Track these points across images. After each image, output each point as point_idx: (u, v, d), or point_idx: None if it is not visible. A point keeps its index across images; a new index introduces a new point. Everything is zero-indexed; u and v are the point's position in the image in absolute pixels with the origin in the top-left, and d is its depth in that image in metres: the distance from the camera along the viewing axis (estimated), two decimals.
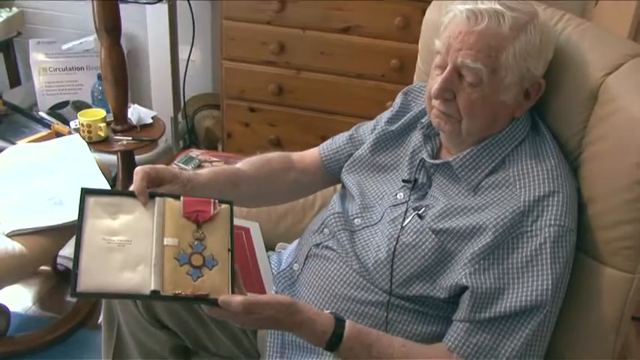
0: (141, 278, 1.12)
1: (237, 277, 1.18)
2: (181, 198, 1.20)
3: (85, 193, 1.17)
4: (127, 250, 1.14)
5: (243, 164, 1.49)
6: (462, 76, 1.23)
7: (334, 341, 1.16)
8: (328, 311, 1.19)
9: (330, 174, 1.56)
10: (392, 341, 1.21)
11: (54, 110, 2.96)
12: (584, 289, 1.26)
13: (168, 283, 1.13)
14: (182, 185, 1.29)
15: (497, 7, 1.20)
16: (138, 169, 1.21)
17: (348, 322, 1.17)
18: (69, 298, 2.35)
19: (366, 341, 1.18)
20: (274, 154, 1.55)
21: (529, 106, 1.29)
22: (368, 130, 1.53)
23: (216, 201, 1.22)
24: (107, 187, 2.01)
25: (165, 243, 1.16)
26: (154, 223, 1.17)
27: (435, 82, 1.25)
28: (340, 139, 1.58)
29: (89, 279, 1.10)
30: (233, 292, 1.14)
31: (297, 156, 1.58)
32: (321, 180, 1.56)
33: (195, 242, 1.17)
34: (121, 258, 1.13)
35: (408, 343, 1.23)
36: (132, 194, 1.19)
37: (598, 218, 1.24)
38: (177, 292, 1.12)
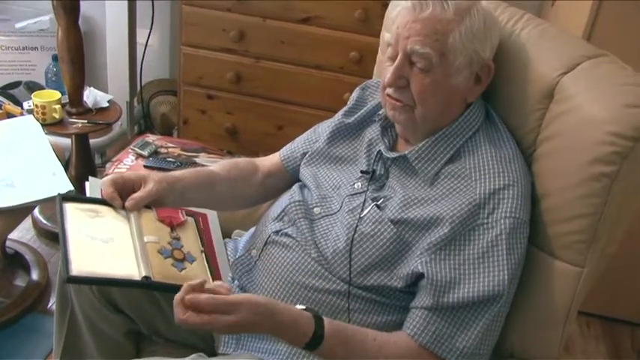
0: (130, 267, 1.18)
1: (216, 273, 1.28)
2: (152, 208, 1.31)
3: (62, 199, 1.25)
4: (111, 246, 1.21)
5: (215, 167, 1.54)
6: (413, 63, 1.27)
7: (314, 342, 1.14)
8: (301, 306, 1.17)
9: (292, 176, 1.57)
10: (365, 336, 1.22)
11: (5, 90, 2.89)
12: (534, 281, 1.29)
13: (157, 272, 1.19)
14: (170, 185, 1.36)
15: None
16: (104, 179, 1.31)
17: (326, 321, 1.16)
18: (18, 282, 2.31)
19: (342, 338, 1.19)
20: (241, 159, 1.62)
21: (481, 90, 1.33)
22: (325, 127, 1.55)
23: (183, 211, 1.35)
24: (62, 169, 1.98)
25: (146, 240, 1.23)
26: (131, 224, 1.26)
27: (388, 71, 1.29)
28: (298, 140, 1.61)
29: (80, 265, 1.15)
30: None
31: (260, 160, 1.62)
32: (284, 181, 1.58)
33: (173, 240, 1.27)
34: (107, 251, 1.20)
35: (379, 337, 1.23)
36: (105, 202, 1.28)
37: (550, 213, 1.28)
38: (167, 281, 1.18)
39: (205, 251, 1.31)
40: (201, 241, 1.33)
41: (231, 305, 1.06)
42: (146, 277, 1.16)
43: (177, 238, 1.27)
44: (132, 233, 1.24)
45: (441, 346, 1.21)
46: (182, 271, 1.22)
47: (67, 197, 1.27)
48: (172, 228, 1.29)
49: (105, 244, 1.20)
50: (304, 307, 1.17)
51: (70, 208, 1.25)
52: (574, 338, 2.41)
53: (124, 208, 1.28)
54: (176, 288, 1.14)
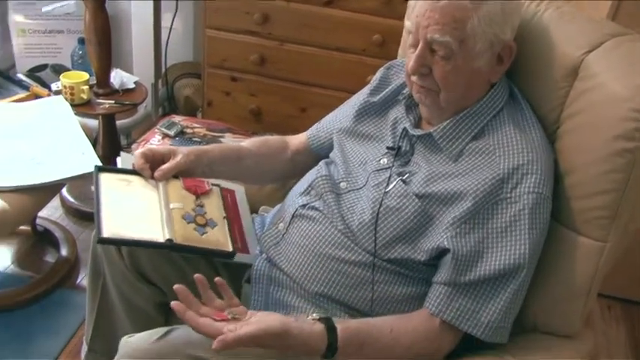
0: (155, 231, 1.30)
1: (236, 239, 1.39)
2: (179, 177, 1.41)
3: (98, 170, 1.40)
4: (140, 211, 1.33)
5: (245, 142, 1.61)
6: (434, 51, 1.28)
7: (328, 355, 1.19)
8: (315, 316, 1.21)
9: (317, 153, 1.61)
10: (381, 331, 1.25)
11: (32, 73, 2.94)
12: (557, 256, 1.32)
13: (179, 235, 1.30)
14: (198, 158, 1.45)
15: None
16: (136, 152, 1.43)
17: (339, 329, 1.19)
18: (47, 258, 2.37)
19: (358, 342, 1.22)
20: (271, 137, 1.68)
21: (503, 70, 1.35)
22: (349, 107, 1.58)
23: (209, 181, 1.45)
24: (91, 148, 2.02)
25: (171, 206, 1.34)
26: (159, 192, 1.37)
27: (410, 59, 1.31)
28: (324, 120, 1.65)
29: (111, 228, 1.28)
30: (234, 248, 1.36)
31: (289, 138, 1.68)
32: (311, 160, 1.61)
33: (197, 207, 1.37)
34: (135, 215, 1.32)
35: (395, 327, 1.26)
36: (136, 172, 1.41)
37: (573, 189, 1.30)
38: (188, 243, 1.30)
39: (228, 218, 1.40)
40: (224, 209, 1.42)
41: (249, 339, 1.12)
42: (169, 240, 1.28)
43: (201, 205, 1.37)
44: (159, 200, 1.35)
45: (466, 322, 1.24)
46: (203, 235, 1.33)
47: (102, 168, 1.40)
48: (197, 196, 1.39)
49: (134, 210, 1.32)
50: (318, 317, 1.20)
51: (104, 177, 1.37)
52: (595, 320, 2.43)
53: (153, 178, 1.38)
54: (196, 249, 1.32)
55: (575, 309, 1.33)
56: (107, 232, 1.27)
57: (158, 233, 1.29)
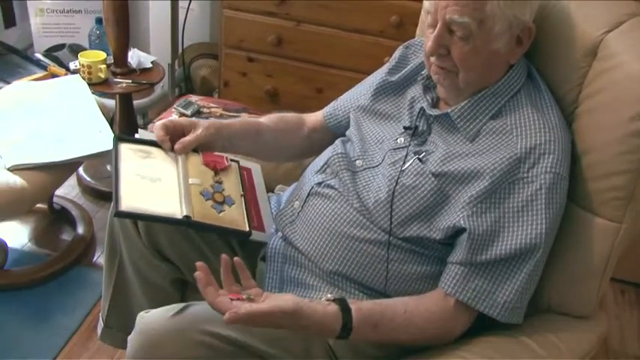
0: (173, 206, 1.29)
1: (252, 218, 1.39)
2: (199, 152, 1.40)
3: (118, 139, 1.37)
4: (158, 185, 1.32)
5: (263, 118, 1.60)
6: (453, 32, 1.27)
7: (343, 334, 1.20)
8: (329, 296, 1.22)
9: (333, 132, 1.61)
10: (395, 312, 1.25)
11: (50, 52, 2.95)
12: (573, 237, 1.32)
13: (197, 211, 1.29)
14: (218, 131, 1.45)
15: None
16: (156, 123, 1.41)
17: (353, 310, 1.20)
18: (64, 237, 2.39)
19: (372, 322, 1.22)
20: (288, 113, 1.66)
21: (522, 52, 1.33)
22: (367, 86, 1.57)
23: (228, 156, 1.44)
24: (107, 126, 2.04)
25: (190, 182, 1.33)
26: (178, 166, 1.36)
27: (429, 39, 1.30)
28: (341, 98, 1.64)
29: (129, 201, 1.27)
30: (250, 227, 1.36)
31: (306, 115, 1.68)
32: (328, 138, 1.61)
33: (215, 184, 1.37)
34: (154, 190, 1.31)
35: (409, 307, 1.26)
36: (156, 144, 1.39)
37: (590, 169, 1.29)
38: (205, 221, 1.29)
39: (245, 196, 1.40)
40: (242, 187, 1.41)
41: (259, 315, 1.13)
42: (187, 217, 1.27)
43: (220, 182, 1.37)
44: (178, 174, 1.34)
45: (482, 302, 1.25)
46: (220, 212, 1.33)
47: (122, 138, 1.38)
48: (216, 172, 1.39)
49: (152, 183, 1.31)
50: (332, 299, 1.21)
51: (124, 148, 1.36)
52: (608, 305, 2.43)
53: (173, 150, 1.38)
54: (213, 227, 1.31)
55: (590, 290, 1.33)
56: (125, 205, 1.26)
57: (176, 209, 1.28)
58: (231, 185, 1.39)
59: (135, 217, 1.35)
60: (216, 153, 1.44)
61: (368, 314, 1.22)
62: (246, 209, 1.38)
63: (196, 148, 1.41)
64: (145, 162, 1.35)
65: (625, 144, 1.23)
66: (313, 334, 1.23)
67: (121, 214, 1.29)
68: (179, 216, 1.28)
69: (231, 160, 1.45)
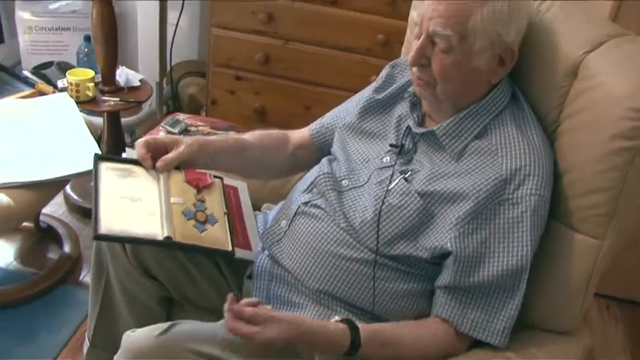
0: (154, 227, 1.26)
1: (236, 236, 1.36)
2: (182, 169, 1.37)
3: (98, 159, 1.34)
4: (139, 205, 1.29)
5: (247, 135, 1.59)
6: (435, 44, 1.30)
7: (352, 351, 1.21)
8: (337, 318, 1.24)
9: (321, 151, 1.62)
10: (401, 334, 1.28)
11: (38, 70, 2.95)
12: (556, 253, 1.33)
13: (178, 232, 1.26)
14: (201, 148, 1.42)
15: None
16: (138, 140, 1.38)
17: (361, 328, 1.22)
18: (50, 255, 2.38)
19: (380, 340, 1.24)
20: (273, 130, 1.65)
21: (504, 72, 1.35)
22: (353, 104, 1.59)
23: (211, 174, 1.40)
24: (95, 145, 2.04)
25: (172, 201, 1.30)
26: (160, 185, 1.33)
27: (412, 50, 1.33)
28: (328, 116, 1.65)
29: (108, 224, 1.23)
30: (233, 247, 1.32)
31: (291, 132, 1.67)
32: (314, 156, 1.63)
33: (198, 202, 1.34)
34: (134, 210, 1.27)
35: (414, 331, 1.29)
36: (138, 162, 1.36)
37: (572, 187, 1.31)
38: (187, 241, 1.26)
39: (228, 213, 1.37)
40: (226, 204, 1.39)
41: (269, 320, 1.14)
42: (168, 238, 1.24)
43: (202, 200, 1.34)
44: (159, 193, 1.31)
45: (483, 332, 1.27)
46: (202, 232, 1.30)
47: (102, 157, 1.35)
48: (199, 190, 1.36)
49: (133, 203, 1.28)
50: (340, 319, 1.23)
51: (104, 167, 1.33)
52: (594, 321, 2.44)
53: (154, 168, 1.35)
54: (195, 248, 1.29)
55: (574, 306, 1.35)
56: (104, 228, 1.23)
57: (157, 230, 1.25)
58: (214, 203, 1.37)
59: (115, 239, 1.33)
60: (199, 170, 1.42)
61: (375, 333, 1.24)
62: (229, 227, 1.35)
63: (179, 166, 1.38)
64: (126, 181, 1.32)
65: (605, 162, 1.25)
66: (322, 351, 1.23)
67: (100, 237, 1.25)
68: (160, 237, 1.25)
69: (215, 176, 1.43)
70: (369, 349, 1.22)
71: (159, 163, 1.35)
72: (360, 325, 1.23)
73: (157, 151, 1.38)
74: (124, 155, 1.46)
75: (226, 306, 1.15)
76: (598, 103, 1.28)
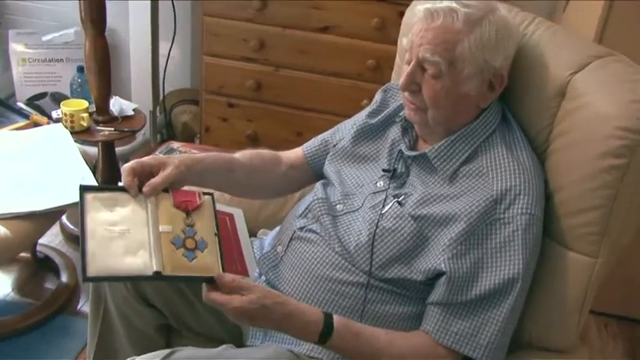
0: (143, 262, 1.23)
1: (233, 262, 1.34)
2: (170, 191, 1.32)
3: (83, 190, 1.29)
4: (127, 238, 1.25)
5: (237, 154, 1.57)
6: (425, 70, 1.33)
7: (326, 332, 1.22)
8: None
9: (313, 171, 1.64)
10: (375, 329, 1.30)
11: (32, 101, 2.97)
12: (550, 272, 1.35)
13: (168, 264, 1.24)
14: (189, 168, 1.38)
15: (453, 4, 1.30)
16: (124, 166, 1.32)
17: (335, 316, 1.25)
18: (47, 285, 2.38)
19: (354, 330, 1.26)
20: (264, 150, 1.64)
21: (494, 97, 1.38)
22: (348, 126, 1.61)
23: (201, 192, 1.35)
24: (90, 174, 2.05)
25: (160, 230, 1.27)
26: (148, 213, 1.29)
27: (402, 76, 1.36)
28: (321, 137, 1.66)
29: (97, 265, 1.20)
30: (223, 269, 1.26)
31: (283, 153, 1.67)
32: (306, 176, 1.64)
33: (187, 228, 1.29)
34: (122, 245, 1.24)
35: (390, 331, 1.31)
36: (125, 189, 1.30)
37: (564, 206, 1.33)
38: (177, 273, 1.23)
39: (218, 234, 1.33)
40: (216, 223, 1.34)
41: (247, 286, 1.18)
42: (157, 273, 1.22)
43: (191, 225, 1.31)
44: (147, 222, 1.27)
45: (466, 346, 1.27)
46: (192, 260, 1.27)
47: (87, 187, 1.30)
48: (188, 213, 1.32)
49: (121, 236, 1.25)
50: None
51: (90, 198, 1.28)
52: (592, 339, 2.45)
53: (142, 191, 1.29)
54: (186, 278, 1.28)
55: (569, 324, 1.36)
56: (93, 271, 1.20)
57: (146, 264, 1.23)
58: (204, 225, 1.32)
59: (104, 280, 1.33)
60: (188, 189, 1.37)
61: (350, 323, 1.27)
62: (220, 250, 1.31)
63: (166, 187, 1.33)
64: (113, 212, 1.28)
65: (596, 180, 1.27)
66: (294, 327, 1.23)
67: (89, 280, 1.23)
68: (149, 272, 1.22)
69: (205, 193, 1.37)
70: (342, 336, 1.23)
71: (145, 188, 1.29)
72: (335, 315, 1.26)
73: (142, 174, 1.32)
74: (120, 184, 1.47)
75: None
76: (586, 123, 1.31)
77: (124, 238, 1.24)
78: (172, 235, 1.27)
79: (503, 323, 1.26)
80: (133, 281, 1.37)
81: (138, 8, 2.85)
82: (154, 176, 1.33)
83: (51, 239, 2.57)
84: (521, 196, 1.28)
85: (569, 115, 1.34)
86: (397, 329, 1.34)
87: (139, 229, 1.26)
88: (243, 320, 1.22)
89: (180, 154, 2.30)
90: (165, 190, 1.32)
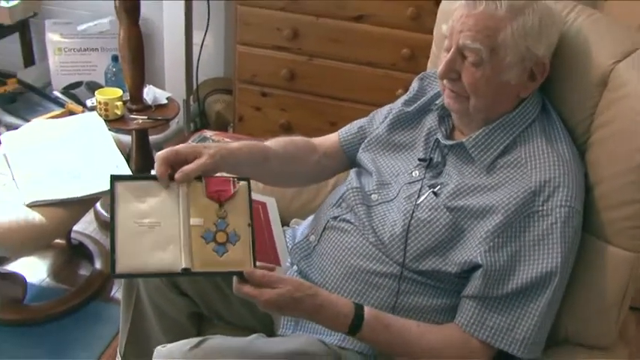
0: (172, 257, 1.21)
1: (265, 250, 1.34)
2: (203, 179, 1.28)
3: (114, 179, 1.26)
4: (157, 232, 1.22)
5: (271, 142, 1.54)
6: (465, 57, 1.30)
7: (356, 323, 1.21)
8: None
9: (348, 157, 1.62)
10: (407, 321, 1.28)
11: (68, 90, 3.01)
12: (589, 267, 1.32)
13: (197, 259, 1.21)
14: (223, 159, 1.35)
15: None
16: (157, 154, 1.28)
17: (366, 307, 1.24)
18: (82, 272, 2.41)
19: (385, 322, 1.25)
20: (298, 137, 1.62)
21: (535, 87, 1.35)
22: (384, 114, 1.59)
23: (235, 179, 1.30)
24: (124, 162, 2.07)
25: (191, 223, 1.24)
26: (179, 205, 1.25)
27: (442, 63, 1.33)
28: (358, 124, 1.64)
29: (126, 261, 1.19)
30: (255, 263, 1.23)
31: (317, 140, 1.65)
32: (341, 163, 1.63)
33: (219, 220, 1.26)
34: (152, 239, 1.21)
35: (422, 324, 1.29)
36: (156, 178, 1.27)
37: (604, 199, 1.30)
38: (205, 269, 1.22)
39: (252, 224, 1.29)
40: (250, 212, 1.29)
41: (278, 280, 1.18)
42: (185, 269, 1.20)
43: (224, 217, 1.26)
44: (179, 214, 1.24)
45: (502, 340, 1.25)
46: (223, 255, 1.23)
47: (118, 177, 1.28)
48: (220, 204, 1.27)
49: (151, 230, 1.22)
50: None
51: (121, 188, 1.25)
52: (630, 333, 2.39)
53: (173, 179, 1.25)
54: (214, 274, 1.29)
55: (608, 320, 1.33)
56: (122, 267, 1.19)
57: (176, 259, 1.21)
58: (238, 215, 1.27)
59: (133, 276, 1.34)
60: (222, 175, 1.33)
61: (381, 314, 1.26)
62: (252, 242, 1.27)
63: (199, 176, 1.28)
64: (144, 203, 1.24)
65: (637, 173, 1.24)
66: (325, 318, 1.22)
67: (117, 276, 1.24)
68: (178, 268, 1.21)
69: (240, 179, 1.31)
70: (373, 327, 1.23)
71: (178, 174, 1.25)
72: (366, 306, 1.25)
73: (176, 162, 1.28)
74: (152, 172, 1.46)
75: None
76: (629, 113, 1.27)
77: (154, 231, 1.22)
78: (203, 229, 1.24)
79: (540, 317, 1.24)
80: (162, 277, 1.37)
81: None
82: (187, 163, 1.29)
83: (85, 226, 2.59)
84: (561, 189, 1.25)
85: (612, 106, 1.31)
86: (430, 322, 1.32)
87: (170, 222, 1.24)
88: (273, 310, 1.21)
89: (213, 142, 2.31)
90: (199, 178, 1.28)
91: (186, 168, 1.26)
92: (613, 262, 1.29)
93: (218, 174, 1.34)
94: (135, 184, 1.27)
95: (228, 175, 1.33)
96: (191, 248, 1.22)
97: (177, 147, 1.31)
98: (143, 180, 1.28)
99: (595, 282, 1.31)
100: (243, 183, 1.30)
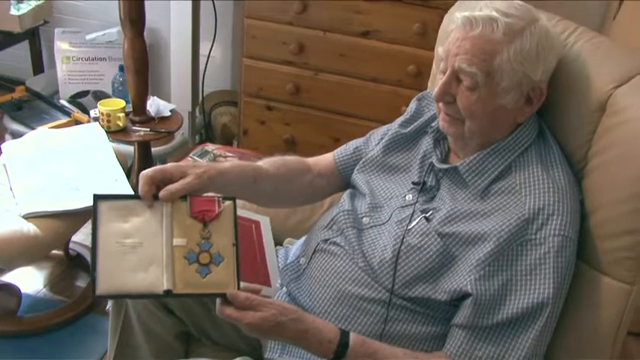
0: (154, 278, 1.18)
1: (256, 270, 1.32)
2: (188, 198, 1.25)
3: (97, 199, 1.23)
4: (139, 252, 1.20)
5: (263, 162, 1.52)
6: (461, 80, 1.27)
7: (341, 350, 1.18)
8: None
9: (343, 179, 1.59)
10: (394, 349, 1.25)
11: (74, 99, 3.01)
12: (583, 297, 1.28)
13: (179, 281, 1.19)
14: (211, 180, 1.32)
15: (493, 13, 1.24)
16: (142, 173, 1.25)
17: (352, 333, 1.21)
18: (79, 283, 2.40)
19: (371, 349, 1.21)
20: (291, 157, 1.59)
21: (531, 111, 1.32)
22: (380, 134, 1.56)
23: (220, 199, 1.27)
24: (123, 176, 2.05)
25: (174, 244, 1.22)
26: (162, 224, 1.23)
27: (437, 85, 1.30)
28: (354, 144, 1.62)
29: (107, 282, 1.17)
30: (239, 285, 1.20)
31: (312, 160, 1.62)
32: (335, 184, 1.60)
33: (202, 241, 1.23)
34: (134, 260, 1.19)
35: (409, 352, 1.26)
36: (140, 197, 1.24)
37: (600, 228, 1.26)
38: (188, 290, 1.19)
39: (237, 244, 1.26)
40: (235, 232, 1.26)
41: (262, 303, 1.15)
42: (167, 291, 1.18)
43: (208, 237, 1.24)
44: (162, 234, 1.22)
45: None
46: (206, 276, 1.21)
47: (102, 196, 1.24)
48: (205, 224, 1.25)
49: (133, 250, 1.20)
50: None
51: (104, 207, 1.22)
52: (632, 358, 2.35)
53: (157, 199, 1.23)
54: (195, 295, 1.25)
55: (602, 352, 1.29)
56: (103, 288, 1.17)
57: (158, 280, 1.18)
58: (222, 235, 1.25)
59: (114, 297, 1.32)
60: (208, 195, 1.30)
61: (367, 341, 1.23)
62: (236, 262, 1.23)
63: (185, 195, 1.25)
64: (127, 223, 1.22)
65: (635, 202, 1.20)
66: (310, 344, 1.19)
67: (99, 298, 1.25)
68: (160, 290, 1.18)
69: (225, 198, 1.28)
70: (356, 356, 1.19)
71: (162, 193, 1.22)
72: (352, 332, 1.22)
73: (163, 182, 1.25)
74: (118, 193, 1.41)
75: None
76: (628, 139, 1.23)
77: (136, 252, 1.20)
78: (186, 250, 1.22)
79: (530, 349, 1.20)
80: (143, 298, 1.35)
81: (179, 8, 2.86)
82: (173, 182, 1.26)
83: (84, 237, 2.58)
84: (555, 217, 1.22)
85: (610, 132, 1.27)
86: (418, 349, 1.29)
87: (152, 242, 1.22)
88: (256, 334, 1.18)
89: (214, 157, 2.29)
90: (184, 198, 1.26)
91: (171, 187, 1.24)
92: (607, 293, 1.25)
93: (206, 194, 1.31)
94: (118, 203, 1.24)
95: (213, 194, 1.30)
96: (174, 269, 1.20)
97: (164, 166, 1.28)
98: (127, 199, 1.25)
99: (588, 313, 1.27)
100: (228, 203, 1.27)
